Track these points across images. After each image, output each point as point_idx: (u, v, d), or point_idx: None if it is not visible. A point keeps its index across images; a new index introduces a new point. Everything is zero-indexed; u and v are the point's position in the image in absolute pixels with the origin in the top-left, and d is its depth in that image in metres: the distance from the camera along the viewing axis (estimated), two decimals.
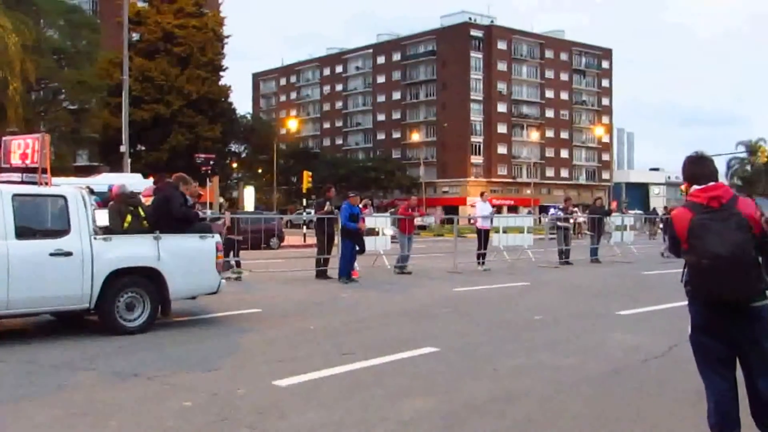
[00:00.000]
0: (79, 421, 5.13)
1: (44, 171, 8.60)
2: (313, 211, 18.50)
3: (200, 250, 9.11)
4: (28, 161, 8.70)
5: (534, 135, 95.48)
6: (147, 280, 8.57)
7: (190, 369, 6.73)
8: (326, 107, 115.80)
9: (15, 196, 7.83)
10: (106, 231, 8.57)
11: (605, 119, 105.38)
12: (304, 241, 29.78)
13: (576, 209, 30.57)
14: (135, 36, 44.67)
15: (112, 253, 8.29)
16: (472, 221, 23.95)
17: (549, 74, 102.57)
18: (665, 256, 18.52)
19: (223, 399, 5.67)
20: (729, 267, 3.89)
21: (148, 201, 9.67)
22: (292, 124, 68.64)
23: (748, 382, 4.13)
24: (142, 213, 9.02)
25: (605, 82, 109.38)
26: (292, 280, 14.90)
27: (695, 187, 4.19)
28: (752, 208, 4.04)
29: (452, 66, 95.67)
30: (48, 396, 5.80)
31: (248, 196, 50.65)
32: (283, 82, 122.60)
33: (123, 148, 24.54)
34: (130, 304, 8.44)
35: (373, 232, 16.88)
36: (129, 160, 25.16)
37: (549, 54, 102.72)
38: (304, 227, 32.92)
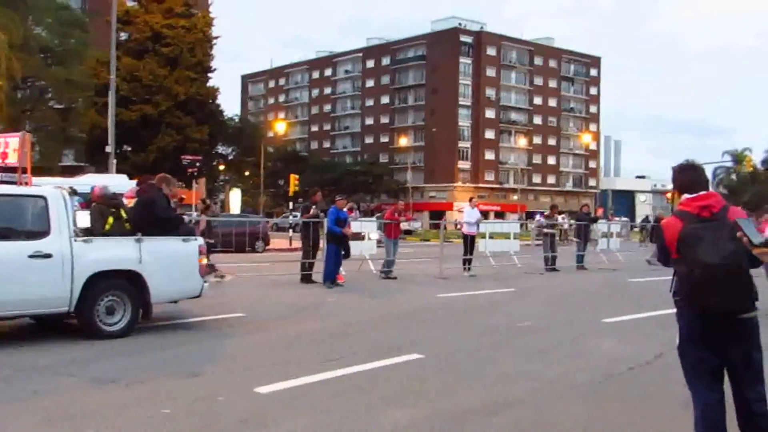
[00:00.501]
0: (56, 428, 5.01)
1: (24, 171, 8.46)
2: (299, 215, 18.38)
3: (183, 254, 8.96)
4: (8, 160, 8.56)
5: (522, 141, 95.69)
6: (128, 284, 8.41)
7: (170, 375, 6.60)
8: (315, 110, 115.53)
9: None
10: (87, 233, 8.42)
11: (593, 127, 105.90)
12: (290, 244, 29.62)
13: (562, 216, 30.67)
14: (123, 35, 44.33)
15: (92, 256, 8.11)
16: (458, 226, 23.92)
17: (538, 81, 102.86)
18: (651, 264, 18.55)
19: (203, 406, 5.56)
20: (721, 277, 3.84)
21: (130, 203, 9.52)
22: (280, 127, 68.40)
23: (737, 393, 4.08)
24: (124, 215, 8.87)
25: (593, 90, 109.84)
26: (277, 283, 14.77)
27: (686, 195, 4.14)
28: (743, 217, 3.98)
29: (441, 71, 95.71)
30: (24, 402, 5.65)
31: (235, 198, 50.53)
32: (272, 84, 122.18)
33: (109, 149, 24.29)
34: (110, 307, 8.26)
35: (358, 236, 16.78)
36: (114, 161, 24.90)
37: (538, 61, 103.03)
38: (290, 231, 32.78)
